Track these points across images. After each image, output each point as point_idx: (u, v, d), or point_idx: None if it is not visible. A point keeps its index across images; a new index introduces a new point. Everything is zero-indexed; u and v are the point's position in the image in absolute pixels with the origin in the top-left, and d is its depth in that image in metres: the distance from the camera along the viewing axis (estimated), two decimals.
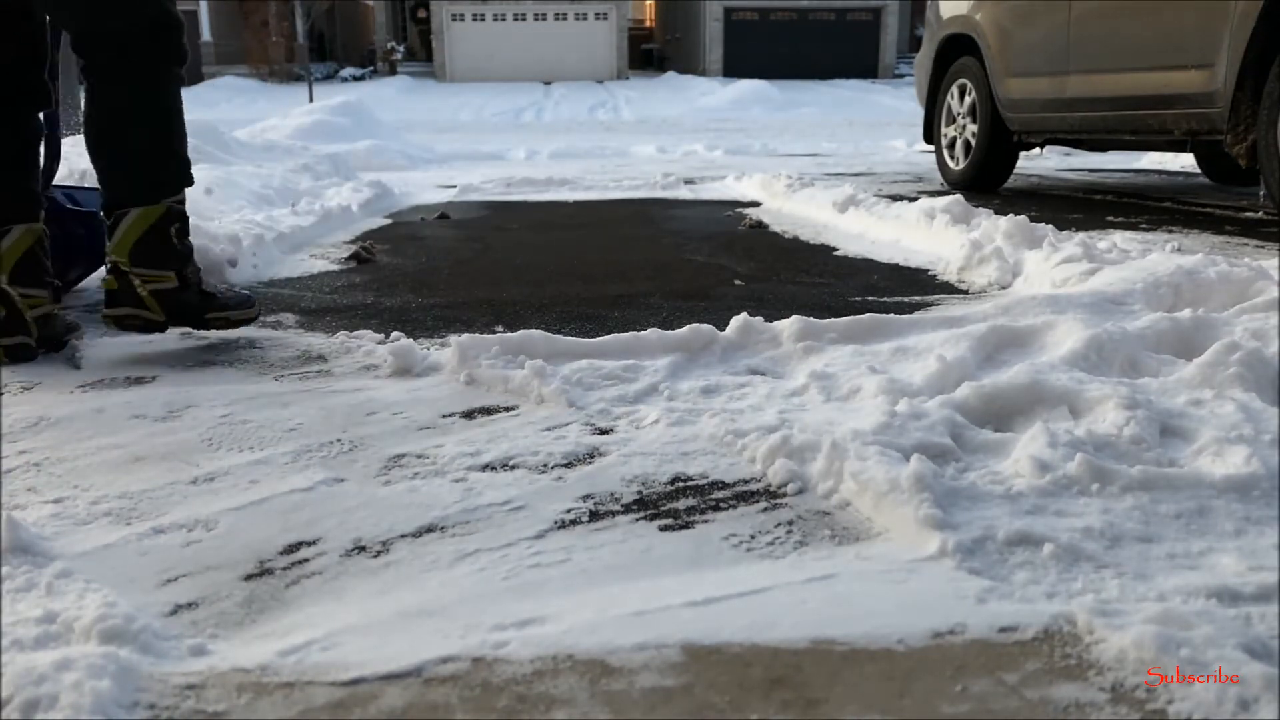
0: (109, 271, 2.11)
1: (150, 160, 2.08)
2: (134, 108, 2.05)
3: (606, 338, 2.03)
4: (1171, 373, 1.71)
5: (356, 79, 29.10)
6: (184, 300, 2.14)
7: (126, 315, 2.11)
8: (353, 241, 4.04)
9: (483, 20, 29.45)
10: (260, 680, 0.91)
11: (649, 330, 2.04)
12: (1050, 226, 3.08)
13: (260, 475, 1.43)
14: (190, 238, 2.19)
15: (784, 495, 1.33)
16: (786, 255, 3.58)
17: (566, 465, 1.45)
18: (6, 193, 2.07)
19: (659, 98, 23.04)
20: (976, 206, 3.75)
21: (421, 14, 32.15)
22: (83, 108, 2.09)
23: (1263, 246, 3.53)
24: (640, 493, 1.35)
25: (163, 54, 2.06)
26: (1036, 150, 6.00)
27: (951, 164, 6.01)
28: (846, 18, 29.73)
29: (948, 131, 6.03)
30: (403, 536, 1.23)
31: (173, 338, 2.32)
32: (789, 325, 2.03)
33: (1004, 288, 2.76)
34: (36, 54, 2.13)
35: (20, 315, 2.05)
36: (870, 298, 2.71)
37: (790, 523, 1.25)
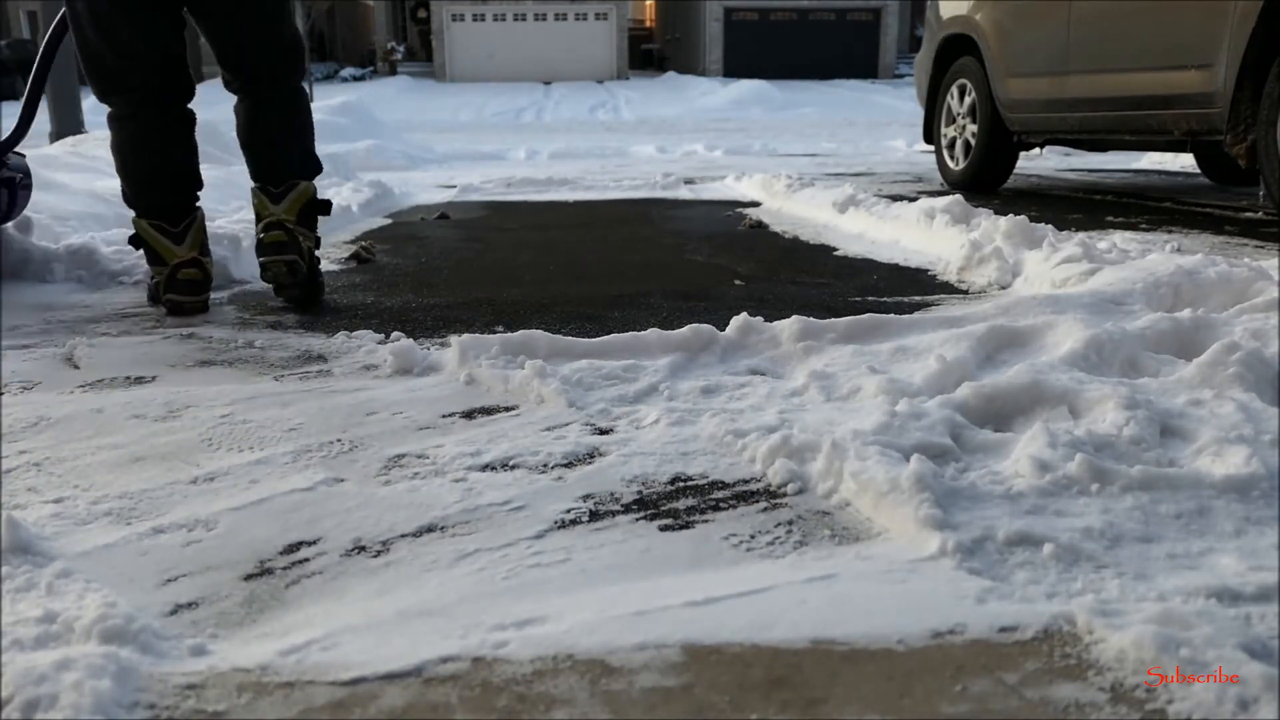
0: (276, 227, 2.56)
1: (307, 148, 2.71)
2: (291, 115, 2.66)
3: (606, 338, 2.03)
4: (1171, 373, 1.71)
5: (356, 79, 29.08)
6: (314, 259, 2.72)
7: (293, 260, 2.57)
8: (353, 241, 4.04)
9: (483, 20, 29.45)
10: (260, 680, 0.91)
11: (649, 330, 2.04)
12: (1050, 226, 3.08)
13: (260, 475, 1.43)
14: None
15: (784, 495, 1.33)
16: (786, 255, 3.58)
17: (566, 465, 1.45)
18: (193, 182, 2.66)
19: (659, 98, 23.04)
20: (976, 206, 3.75)
21: (421, 14, 32.15)
22: (239, 114, 2.64)
23: (1263, 246, 3.53)
24: (640, 493, 1.35)
25: (299, 74, 2.71)
26: (1036, 150, 6.00)
27: (951, 164, 6.01)
28: (846, 18, 29.73)
29: (948, 131, 6.03)
30: (403, 536, 1.23)
31: (173, 338, 2.32)
32: (789, 325, 2.03)
33: (1004, 288, 2.76)
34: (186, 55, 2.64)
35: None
36: (870, 298, 2.71)
37: (790, 523, 1.25)
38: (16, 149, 3.00)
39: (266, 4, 2.54)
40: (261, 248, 2.57)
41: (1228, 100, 3.80)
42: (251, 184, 2.64)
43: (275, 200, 2.57)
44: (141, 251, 2.62)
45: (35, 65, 2.98)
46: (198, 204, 2.66)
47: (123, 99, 2.54)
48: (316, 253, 2.73)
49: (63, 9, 2.57)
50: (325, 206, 2.72)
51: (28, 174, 3.11)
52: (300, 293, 2.68)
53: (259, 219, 2.60)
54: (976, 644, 0.95)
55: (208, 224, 2.66)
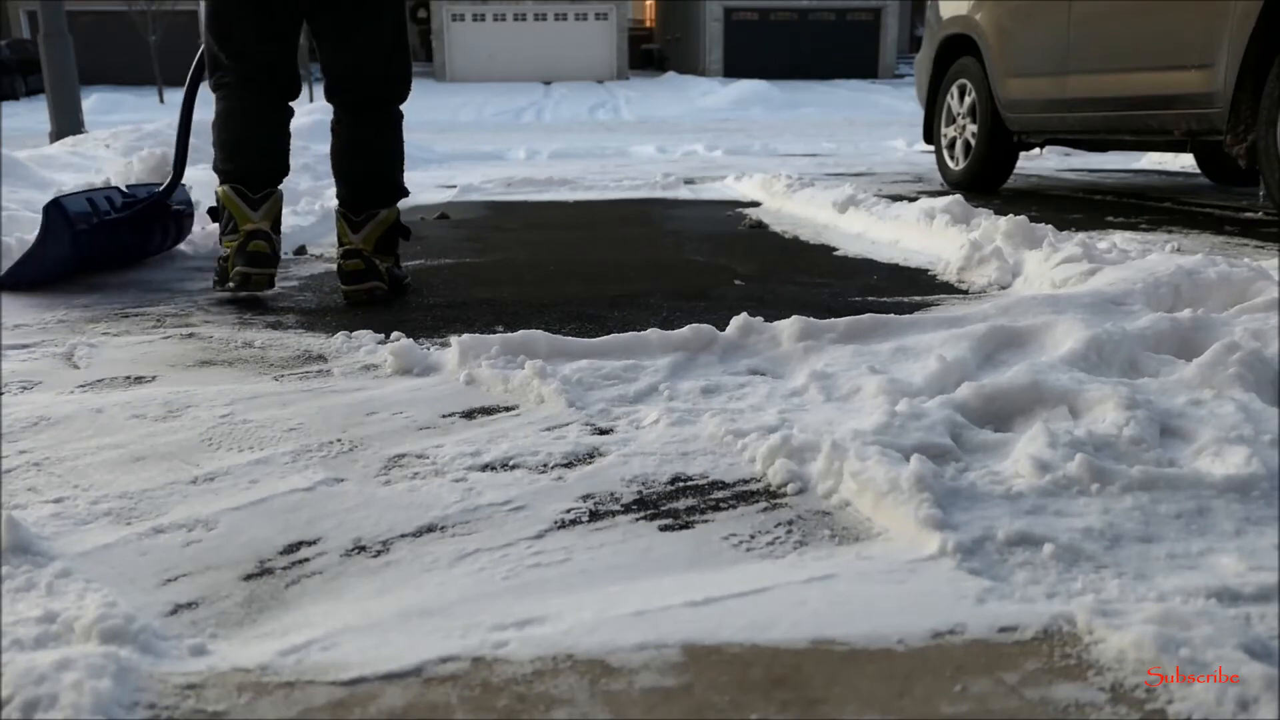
0: (354, 256, 2.68)
1: (392, 178, 2.79)
2: (383, 143, 2.77)
3: (607, 338, 2.03)
4: (1171, 373, 1.71)
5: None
6: (394, 275, 2.82)
7: (374, 286, 2.69)
8: None
9: (483, 20, 29.46)
10: (260, 680, 0.91)
11: (649, 330, 2.04)
12: (1050, 227, 3.08)
13: (260, 475, 1.43)
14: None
15: (784, 495, 1.33)
16: (786, 255, 3.58)
17: (566, 465, 1.45)
18: (282, 162, 2.80)
19: (659, 98, 23.04)
20: (976, 206, 3.75)
21: (421, 14, 32.15)
22: (337, 134, 2.77)
23: (1263, 246, 3.53)
24: (640, 493, 1.35)
25: (402, 100, 2.83)
26: (1036, 150, 6.00)
27: (951, 164, 6.01)
28: (846, 18, 29.75)
29: (948, 132, 6.03)
30: (403, 536, 1.23)
31: (173, 338, 2.32)
32: (789, 325, 2.03)
33: (1004, 288, 2.76)
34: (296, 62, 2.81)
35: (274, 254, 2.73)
36: (870, 298, 2.71)
37: (790, 523, 1.25)
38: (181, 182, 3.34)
39: (385, 34, 2.70)
40: (342, 274, 2.71)
41: (1228, 100, 3.80)
42: (336, 204, 2.77)
43: (355, 229, 2.70)
44: (216, 225, 2.81)
45: (182, 104, 3.21)
46: (280, 185, 2.77)
47: (229, 79, 2.70)
48: (396, 271, 2.85)
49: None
50: (405, 231, 2.84)
51: (189, 203, 3.54)
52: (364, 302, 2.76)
53: (340, 243, 2.74)
54: (976, 644, 0.95)
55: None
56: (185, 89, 3.19)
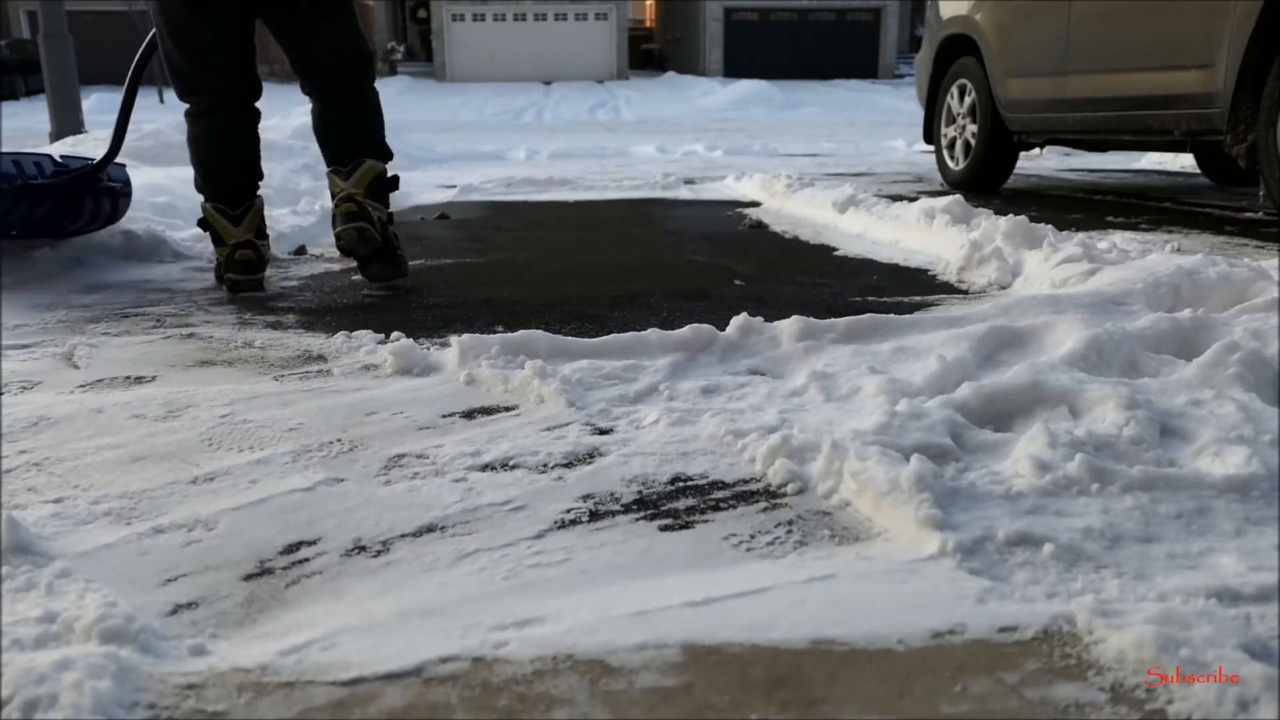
0: (346, 200, 2.82)
1: (375, 136, 2.93)
2: (360, 110, 2.93)
3: (607, 338, 2.03)
4: (1171, 373, 1.71)
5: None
6: (387, 233, 2.91)
7: (363, 226, 2.80)
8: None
9: (483, 20, 29.46)
10: (260, 680, 0.91)
11: (649, 330, 2.04)
12: (1050, 227, 3.08)
13: (260, 475, 1.43)
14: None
15: (784, 495, 1.33)
16: (786, 255, 3.58)
17: (566, 465, 1.45)
18: (254, 174, 2.98)
19: (659, 98, 23.04)
20: (976, 206, 3.75)
21: (421, 14, 32.14)
22: (314, 113, 2.92)
23: (1263, 246, 3.53)
24: (640, 493, 1.35)
25: (369, 78, 2.97)
26: (1036, 150, 6.00)
27: (951, 164, 6.01)
28: (846, 18, 29.74)
29: (948, 132, 6.03)
30: (403, 536, 1.23)
31: (173, 338, 2.33)
32: (789, 325, 2.03)
33: (1004, 288, 2.76)
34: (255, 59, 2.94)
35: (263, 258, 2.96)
36: (870, 298, 2.71)
37: (790, 523, 1.25)
38: (116, 159, 3.31)
39: (335, 21, 2.85)
40: (335, 220, 2.86)
41: (1228, 100, 3.80)
42: (326, 170, 2.94)
43: (344, 177, 2.85)
44: (208, 235, 2.99)
45: (127, 82, 3.23)
46: (257, 193, 2.97)
47: (198, 99, 2.88)
48: (390, 227, 2.94)
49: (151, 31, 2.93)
50: (394, 182, 2.96)
51: (128, 183, 3.46)
52: (382, 268, 2.93)
53: (332, 197, 2.88)
54: (976, 644, 0.95)
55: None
56: (132, 68, 3.23)
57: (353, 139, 2.89)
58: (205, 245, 3.66)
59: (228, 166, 2.91)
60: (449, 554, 1.17)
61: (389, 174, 2.93)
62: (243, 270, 2.86)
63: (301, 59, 2.88)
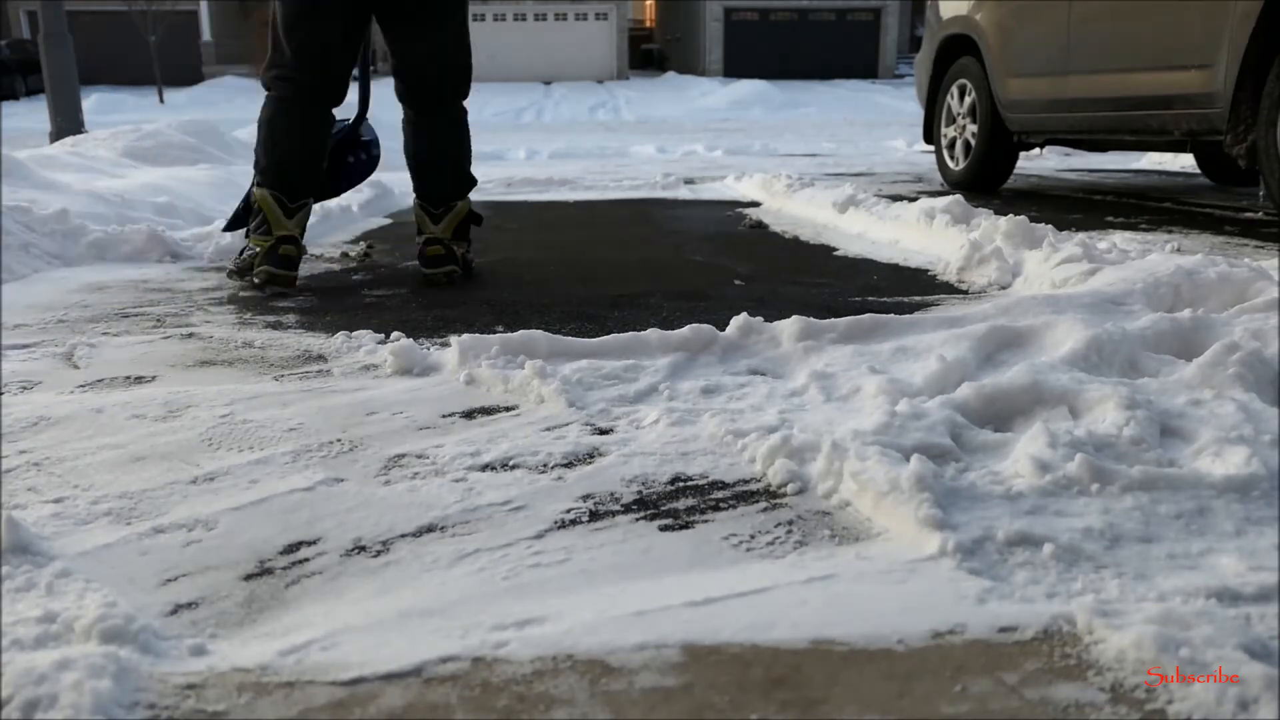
0: (435, 243, 3.01)
1: (464, 171, 3.11)
2: (455, 138, 3.07)
3: (607, 338, 2.03)
4: (1171, 373, 1.71)
5: (356, 79, 29.07)
6: (466, 260, 3.16)
7: (451, 270, 3.01)
8: (353, 241, 4.04)
9: (483, 20, 29.46)
10: (260, 680, 0.91)
11: (649, 330, 2.04)
12: (1050, 227, 3.08)
13: (260, 475, 1.43)
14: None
15: (784, 495, 1.33)
16: (786, 255, 3.58)
17: (566, 465, 1.45)
18: (318, 176, 3.02)
19: (659, 98, 23.04)
20: (976, 207, 3.75)
21: None
22: (409, 131, 3.06)
23: (1263, 246, 3.53)
24: (640, 493, 1.35)
25: (465, 95, 3.09)
26: (1036, 150, 6.00)
27: (951, 164, 6.01)
28: (846, 18, 29.74)
29: (948, 132, 6.03)
30: (403, 536, 1.23)
31: (174, 338, 2.33)
32: (789, 325, 2.03)
33: (1004, 288, 2.76)
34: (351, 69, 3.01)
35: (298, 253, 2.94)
36: (870, 298, 2.71)
37: (790, 523, 1.25)
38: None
39: (445, 33, 2.94)
40: (424, 259, 3.03)
41: (1228, 100, 3.80)
42: (415, 197, 3.09)
43: (435, 220, 3.04)
44: (249, 225, 2.97)
45: (360, 55, 3.23)
46: (311, 198, 3.00)
47: (286, 86, 2.89)
48: (468, 256, 3.19)
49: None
50: (477, 219, 3.16)
51: (377, 143, 3.55)
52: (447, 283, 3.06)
53: (420, 232, 3.06)
54: (976, 644, 0.95)
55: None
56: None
57: (449, 175, 3.06)
58: (205, 245, 3.67)
59: (297, 161, 2.92)
60: (449, 554, 1.17)
61: (474, 213, 3.14)
62: (282, 265, 2.84)
63: (406, 63, 2.97)
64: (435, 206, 3.02)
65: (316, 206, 4.66)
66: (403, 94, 3.02)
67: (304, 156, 2.93)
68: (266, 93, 2.92)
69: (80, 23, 19.72)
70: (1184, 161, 7.44)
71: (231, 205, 4.48)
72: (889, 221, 3.92)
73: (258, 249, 2.87)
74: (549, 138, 13.40)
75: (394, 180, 6.45)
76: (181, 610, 1.06)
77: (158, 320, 2.53)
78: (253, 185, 2.95)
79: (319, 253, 3.72)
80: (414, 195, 3.09)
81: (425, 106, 3.01)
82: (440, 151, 3.05)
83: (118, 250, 3.51)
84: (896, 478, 1.24)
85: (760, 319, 2.06)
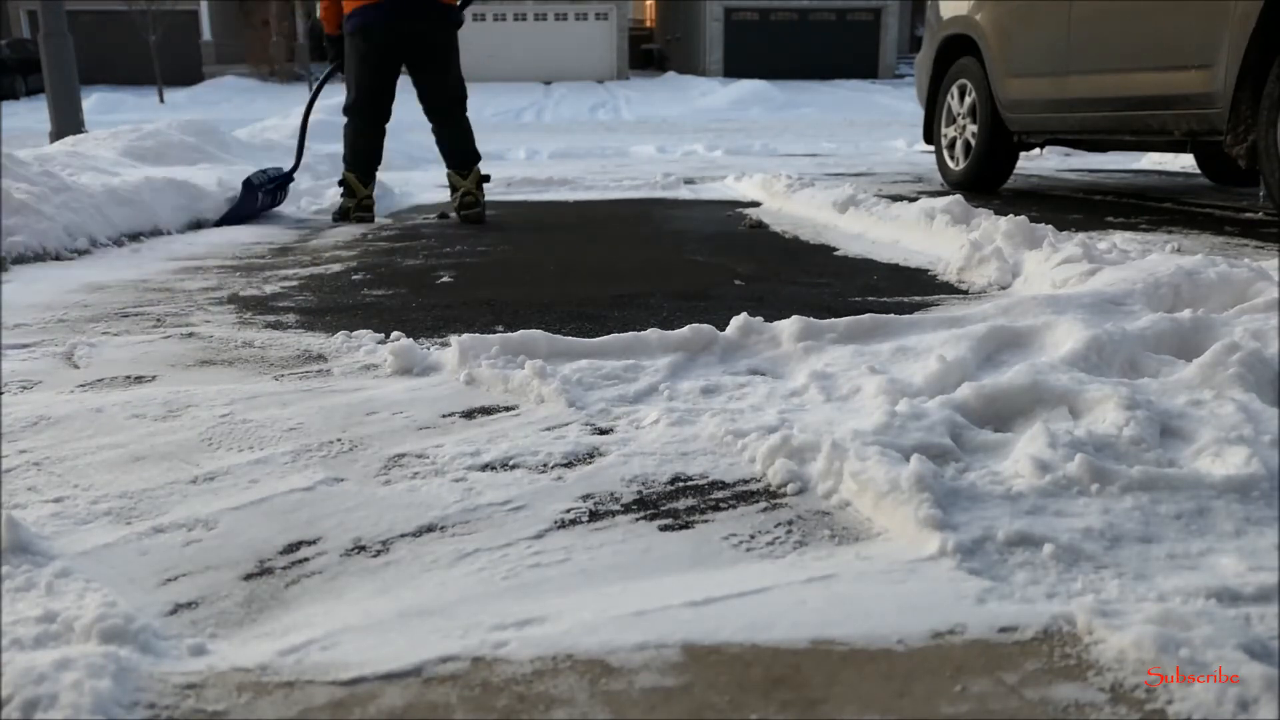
0: (468, 194, 4.79)
1: (473, 147, 4.90)
2: (464, 130, 4.88)
3: (606, 338, 2.03)
4: (1171, 373, 1.71)
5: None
6: (483, 203, 4.90)
7: (480, 210, 4.80)
8: (355, 241, 4.04)
9: (483, 20, 29.45)
10: (260, 680, 0.91)
11: (649, 330, 2.04)
12: (1050, 227, 3.08)
13: (260, 475, 1.43)
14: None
15: (784, 495, 1.33)
16: (786, 255, 3.58)
17: (566, 465, 1.45)
18: (377, 165, 4.97)
19: (659, 98, 23.04)
20: (976, 207, 3.75)
21: None
22: (436, 131, 4.91)
23: (1263, 247, 3.53)
24: (640, 493, 1.35)
25: (463, 108, 4.91)
26: (1036, 151, 5.99)
27: (951, 164, 6.01)
28: (846, 18, 29.73)
29: (948, 132, 6.03)
30: (403, 536, 1.23)
31: (174, 338, 2.33)
32: (789, 325, 2.03)
33: (1004, 288, 2.76)
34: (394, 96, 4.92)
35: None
36: (870, 298, 2.71)
37: (790, 523, 1.25)
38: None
39: (450, 78, 4.79)
40: (462, 206, 4.77)
41: (1228, 100, 3.80)
42: (447, 170, 4.86)
43: (464, 177, 4.80)
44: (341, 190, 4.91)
45: (305, 111, 5.47)
46: (376, 176, 4.99)
47: (360, 111, 4.79)
48: (484, 200, 4.90)
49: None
50: (487, 177, 4.90)
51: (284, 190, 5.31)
52: (477, 218, 4.78)
53: (455, 189, 4.82)
54: (976, 644, 0.95)
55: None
56: (309, 100, 5.43)
57: (464, 150, 4.82)
58: (201, 247, 3.70)
59: (367, 155, 4.86)
60: (449, 554, 1.17)
61: (485, 174, 4.87)
62: (367, 210, 4.85)
63: (428, 95, 4.79)
64: (462, 170, 4.80)
65: (315, 205, 5.00)
66: (427, 111, 4.84)
67: (374, 154, 4.89)
68: (346, 117, 4.81)
69: (80, 22, 19.71)
70: (1184, 161, 7.44)
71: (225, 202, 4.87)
72: (889, 221, 3.92)
73: (349, 205, 4.80)
74: (549, 138, 13.40)
75: (394, 180, 6.46)
76: (181, 610, 1.06)
77: (158, 320, 2.53)
78: (344, 171, 4.85)
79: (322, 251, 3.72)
80: (446, 169, 4.86)
81: (444, 118, 4.84)
82: (459, 139, 4.84)
83: (118, 250, 3.51)
84: (896, 478, 1.24)
85: (760, 319, 2.06)
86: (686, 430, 1.57)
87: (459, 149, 4.80)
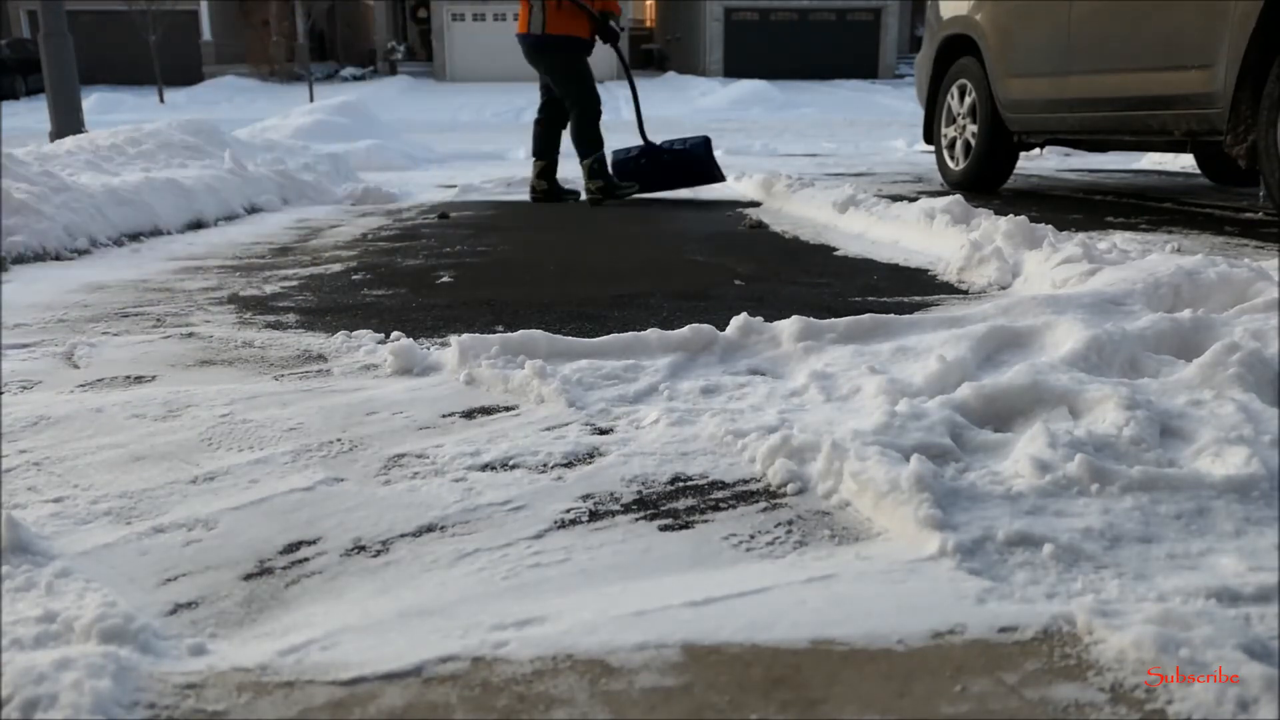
0: (588, 189, 5.72)
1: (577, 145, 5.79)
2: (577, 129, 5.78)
3: (606, 338, 2.03)
4: (1171, 373, 1.71)
5: (357, 79, 29.11)
6: (608, 187, 5.81)
7: (602, 199, 5.63)
8: (356, 241, 4.04)
9: (483, 20, 29.43)
10: (260, 680, 0.91)
11: (649, 330, 2.04)
12: (1050, 227, 3.08)
13: (260, 475, 1.43)
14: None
15: (784, 495, 1.33)
16: (786, 255, 3.58)
17: (566, 465, 1.45)
18: (556, 144, 5.97)
19: (659, 98, 23.02)
20: (976, 207, 3.75)
21: (421, 14, 32.13)
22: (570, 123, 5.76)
23: (1263, 247, 3.53)
24: (640, 493, 1.35)
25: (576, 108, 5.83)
26: (1036, 151, 5.99)
27: (951, 164, 6.01)
28: (846, 18, 29.71)
29: (948, 132, 6.02)
30: (403, 536, 1.23)
31: (174, 338, 2.33)
32: (789, 325, 2.03)
33: (1004, 288, 2.76)
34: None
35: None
36: (870, 298, 2.71)
37: (790, 523, 1.25)
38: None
39: (559, 84, 5.67)
40: (588, 191, 5.68)
41: (1228, 100, 3.80)
42: (580, 162, 5.70)
43: (582, 170, 5.77)
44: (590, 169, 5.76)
45: (632, 91, 6.28)
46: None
47: (598, 114, 5.73)
48: (592, 186, 5.71)
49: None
50: (597, 172, 5.73)
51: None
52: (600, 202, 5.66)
53: (586, 177, 5.73)
54: (976, 644, 0.95)
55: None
56: (629, 80, 6.30)
57: (580, 148, 5.68)
58: (201, 247, 3.69)
59: (600, 146, 5.80)
60: (449, 554, 1.17)
61: (594, 165, 5.67)
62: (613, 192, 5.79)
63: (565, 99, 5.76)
64: (583, 158, 5.74)
65: (322, 206, 4.78)
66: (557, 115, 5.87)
67: (601, 149, 5.76)
68: (585, 119, 5.64)
69: (80, 22, 19.71)
70: (1184, 161, 7.44)
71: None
72: (889, 221, 3.92)
73: (595, 189, 5.66)
74: None
75: (394, 180, 6.48)
76: (181, 610, 1.06)
77: (158, 320, 2.53)
78: (581, 160, 5.70)
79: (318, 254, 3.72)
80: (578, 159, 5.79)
81: (561, 117, 5.81)
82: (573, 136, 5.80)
83: (119, 249, 3.52)
84: (896, 478, 1.24)
85: (760, 319, 2.06)
86: (686, 430, 1.57)
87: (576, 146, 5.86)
